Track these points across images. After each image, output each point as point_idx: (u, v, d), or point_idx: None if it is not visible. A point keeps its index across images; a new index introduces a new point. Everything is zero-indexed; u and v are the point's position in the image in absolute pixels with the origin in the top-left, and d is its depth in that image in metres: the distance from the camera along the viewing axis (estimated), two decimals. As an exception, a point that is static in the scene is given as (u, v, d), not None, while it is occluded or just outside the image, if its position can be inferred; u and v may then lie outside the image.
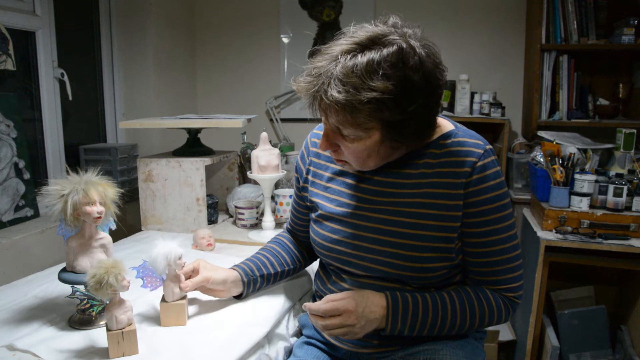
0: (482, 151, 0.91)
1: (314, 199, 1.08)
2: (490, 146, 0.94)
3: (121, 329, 0.87)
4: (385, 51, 0.80)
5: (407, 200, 0.95)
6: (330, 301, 0.92)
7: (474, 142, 0.93)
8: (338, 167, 1.05)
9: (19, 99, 1.78)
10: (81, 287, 0.96)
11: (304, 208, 1.16)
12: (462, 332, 0.98)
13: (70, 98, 2.06)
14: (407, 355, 0.97)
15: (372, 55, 0.80)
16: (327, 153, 1.04)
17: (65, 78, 2.03)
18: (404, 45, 0.80)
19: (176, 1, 2.67)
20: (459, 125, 0.98)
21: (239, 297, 1.12)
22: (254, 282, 1.11)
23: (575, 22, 2.21)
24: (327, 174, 1.06)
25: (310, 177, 1.10)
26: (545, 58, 2.26)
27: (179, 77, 2.75)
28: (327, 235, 1.03)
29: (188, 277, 1.04)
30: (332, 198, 1.04)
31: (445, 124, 0.97)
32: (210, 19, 2.86)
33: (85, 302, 0.97)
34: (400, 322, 0.92)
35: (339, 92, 0.79)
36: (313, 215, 1.09)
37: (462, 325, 0.95)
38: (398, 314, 0.92)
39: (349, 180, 1.02)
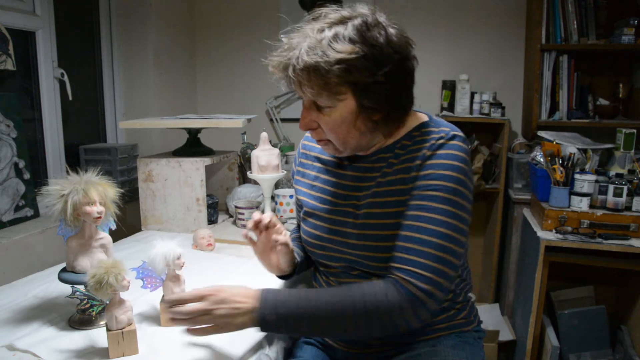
0: (444, 134, 0.91)
1: (300, 197, 1.11)
2: (459, 134, 0.92)
3: (121, 329, 0.87)
4: (350, 24, 0.86)
5: (380, 190, 0.95)
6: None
7: (441, 129, 0.93)
8: (323, 167, 1.07)
9: (19, 99, 1.78)
10: (81, 287, 0.96)
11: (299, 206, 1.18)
12: (353, 332, 0.87)
13: (70, 98, 2.06)
14: (406, 357, 0.97)
15: (340, 28, 0.86)
16: (314, 144, 1.09)
17: (65, 78, 2.03)
18: (369, 19, 0.87)
19: (176, 1, 2.67)
20: (434, 117, 0.99)
21: (283, 277, 1.11)
22: (300, 265, 1.11)
23: (575, 22, 2.21)
24: (314, 173, 1.09)
25: (299, 178, 1.14)
26: (545, 58, 2.26)
27: (179, 77, 2.74)
28: (311, 231, 1.05)
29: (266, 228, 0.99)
30: (316, 195, 1.07)
31: (421, 117, 0.99)
32: (210, 19, 2.86)
33: (85, 302, 0.97)
34: (275, 318, 0.85)
35: (308, 55, 0.84)
36: (301, 213, 1.12)
37: (344, 321, 0.85)
38: (268, 303, 0.86)
39: (330, 178, 1.05)
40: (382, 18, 0.89)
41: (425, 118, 0.98)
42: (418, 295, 0.83)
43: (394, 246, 0.89)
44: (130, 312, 0.90)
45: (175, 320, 0.86)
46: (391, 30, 0.88)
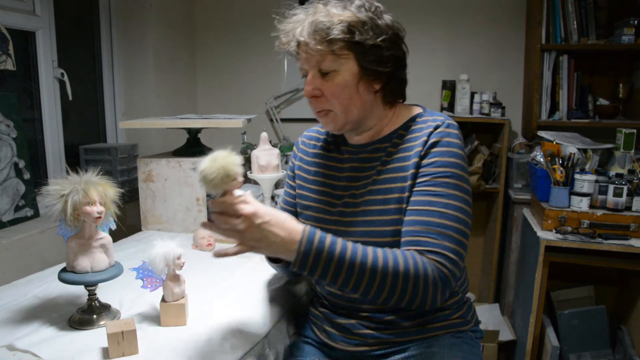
0: (440, 122, 0.97)
1: (300, 192, 1.13)
2: (453, 122, 0.99)
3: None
4: (353, 5, 0.96)
5: (381, 177, 0.99)
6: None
7: (435, 118, 0.99)
8: (323, 162, 1.11)
9: (19, 99, 1.78)
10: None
11: (291, 206, 1.18)
12: (382, 294, 0.87)
13: (70, 98, 2.06)
14: (403, 357, 0.97)
15: (342, 4, 0.96)
16: (314, 142, 1.14)
17: (65, 78, 2.03)
18: (367, 4, 0.96)
19: (176, 1, 2.67)
20: (428, 109, 1.05)
21: (275, 261, 1.10)
22: None
23: (575, 22, 2.21)
24: (313, 169, 1.12)
25: (299, 172, 1.15)
26: (545, 58, 2.26)
27: (179, 77, 2.74)
28: (311, 224, 1.03)
29: None
30: (315, 189, 1.09)
31: (415, 109, 1.05)
32: (210, 19, 2.86)
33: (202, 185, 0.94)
34: (312, 258, 0.85)
35: (314, 17, 0.93)
36: (298, 208, 1.13)
37: (382, 281, 0.85)
38: (311, 249, 0.85)
39: (329, 172, 1.09)
40: (379, 5, 0.98)
41: (419, 110, 1.05)
42: (448, 276, 0.87)
43: (410, 230, 0.91)
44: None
45: (207, 224, 0.87)
46: (386, 15, 0.98)
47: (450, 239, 0.89)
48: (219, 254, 0.88)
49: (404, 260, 0.86)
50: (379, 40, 0.93)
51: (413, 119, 1.02)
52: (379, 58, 0.95)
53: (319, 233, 0.86)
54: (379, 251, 0.88)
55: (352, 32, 0.92)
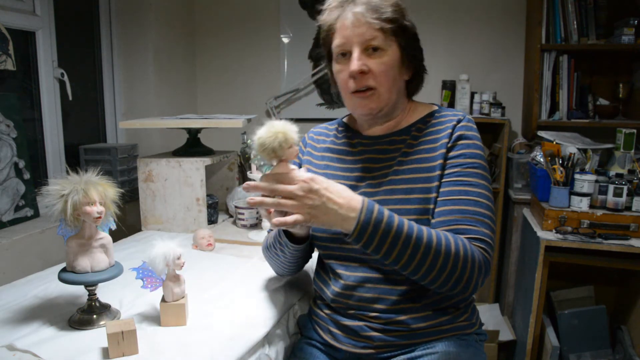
0: (462, 117, 1.02)
1: None
2: (471, 117, 1.04)
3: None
4: None
5: (402, 167, 1.01)
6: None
7: (455, 112, 1.05)
8: (334, 156, 1.11)
9: (19, 99, 1.78)
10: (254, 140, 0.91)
11: None
12: (432, 273, 0.88)
13: (70, 98, 2.06)
14: (409, 358, 0.97)
15: None
16: (322, 137, 1.15)
17: (65, 78, 2.03)
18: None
19: (176, 1, 2.67)
20: (443, 107, 1.11)
21: (298, 242, 1.05)
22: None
23: (575, 22, 2.21)
24: (323, 162, 1.12)
25: (308, 167, 1.14)
26: (545, 58, 2.26)
27: (179, 77, 2.75)
28: None
29: None
30: None
31: (431, 106, 1.10)
32: (210, 19, 2.86)
33: (259, 158, 0.94)
34: (371, 229, 0.84)
35: None
36: None
37: (435, 258, 0.86)
38: (370, 219, 0.84)
39: (341, 165, 1.09)
40: None
41: (435, 107, 1.09)
42: (489, 262, 0.92)
43: (448, 219, 0.93)
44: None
45: (255, 201, 0.83)
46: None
47: (486, 226, 0.94)
48: (278, 223, 0.83)
49: (455, 242, 0.88)
50: (414, 31, 1.01)
51: (431, 114, 1.06)
52: (415, 47, 1.02)
53: (376, 204, 0.86)
54: (432, 230, 0.89)
55: (402, 16, 0.98)
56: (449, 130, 1.00)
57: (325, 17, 1.02)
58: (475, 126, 1.03)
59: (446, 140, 0.99)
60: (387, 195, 1.00)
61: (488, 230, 0.94)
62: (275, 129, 0.84)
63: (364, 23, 0.95)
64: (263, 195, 0.86)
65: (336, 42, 1.00)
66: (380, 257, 0.88)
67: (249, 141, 0.90)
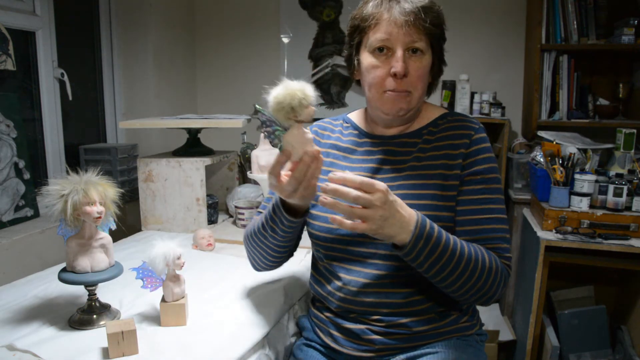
0: (477, 126, 1.02)
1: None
2: (482, 125, 1.05)
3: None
4: None
5: (414, 173, 1.00)
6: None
7: (468, 118, 1.04)
8: (340, 153, 1.09)
9: (19, 99, 1.78)
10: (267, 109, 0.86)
11: None
12: (465, 286, 0.90)
13: (70, 98, 2.06)
14: (409, 357, 0.97)
15: None
16: (328, 132, 1.14)
17: (65, 78, 2.03)
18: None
19: (176, 1, 2.67)
20: (451, 111, 1.11)
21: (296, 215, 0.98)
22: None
23: (575, 22, 2.21)
24: (329, 160, 1.09)
25: None
26: (545, 58, 2.26)
27: (179, 77, 2.74)
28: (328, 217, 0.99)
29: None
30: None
31: (440, 109, 1.10)
32: (210, 19, 2.86)
33: (268, 124, 0.87)
34: (423, 242, 0.84)
35: None
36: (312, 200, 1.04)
37: (472, 272, 0.89)
38: (424, 232, 0.85)
39: (347, 164, 1.07)
40: None
41: (444, 110, 1.09)
42: (509, 276, 0.97)
43: (476, 230, 0.96)
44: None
45: (327, 202, 0.80)
46: None
47: (508, 242, 0.97)
48: (351, 227, 0.80)
49: (489, 257, 0.92)
50: (445, 37, 1.01)
51: (442, 117, 1.06)
52: (440, 58, 1.03)
53: (427, 218, 0.87)
54: (470, 244, 0.91)
55: (444, 22, 0.99)
56: (467, 140, 1.00)
57: (369, 7, 0.98)
58: (485, 135, 1.03)
59: (463, 150, 0.99)
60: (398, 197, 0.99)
61: (509, 245, 0.97)
62: (293, 87, 0.80)
63: (414, 24, 0.94)
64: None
65: (378, 35, 0.96)
66: (423, 270, 0.88)
67: (256, 105, 0.85)
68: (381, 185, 0.80)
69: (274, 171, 0.87)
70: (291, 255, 1.12)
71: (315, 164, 0.84)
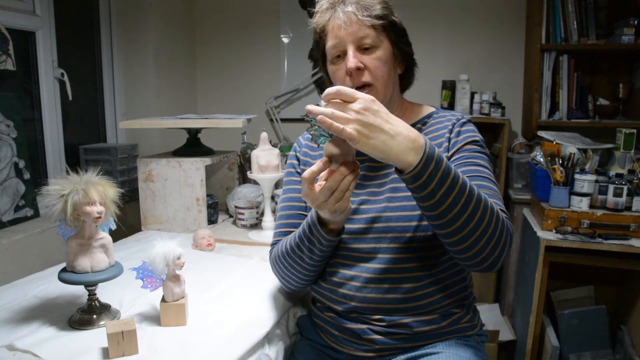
0: (461, 117, 1.06)
1: None
2: (470, 116, 1.08)
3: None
4: None
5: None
6: None
7: (453, 113, 1.08)
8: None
9: (19, 99, 1.78)
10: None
11: (298, 201, 1.12)
12: (477, 233, 0.83)
13: (70, 98, 2.06)
14: (409, 357, 0.97)
15: None
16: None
17: (65, 78, 2.03)
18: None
19: (176, 1, 2.67)
20: (441, 108, 1.14)
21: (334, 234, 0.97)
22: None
23: (575, 22, 2.21)
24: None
25: (305, 168, 1.13)
26: (545, 58, 2.26)
27: (179, 77, 2.75)
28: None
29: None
30: None
31: (429, 108, 1.12)
32: (210, 19, 2.86)
33: (316, 128, 0.84)
34: (433, 166, 0.77)
35: None
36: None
37: (483, 212, 0.82)
38: (433, 154, 0.77)
39: None
40: None
41: (433, 109, 1.11)
42: (513, 234, 0.91)
43: None
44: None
45: (311, 109, 0.77)
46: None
47: (503, 204, 0.94)
48: (328, 125, 0.75)
49: (493, 204, 0.85)
50: (402, 27, 1.03)
51: (429, 116, 1.09)
52: (406, 40, 1.05)
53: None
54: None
55: (390, 11, 1.01)
56: (450, 127, 1.03)
57: (317, 20, 1.03)
58: (473, 124, 1.06)
59: (448, 134, 1.02)
60: (392, 192, 1.00)
61: (500, 203, 0.93)
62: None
63: (356, 22, 0.97)
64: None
65: (330, 43, 1.01)
66: (434, 202, 0.80)
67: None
68: (362, 94, 0.77)
69: (310, 178, 0.82)
70: (323, 269, 1.08)
71: (351, 175, 0.81)
